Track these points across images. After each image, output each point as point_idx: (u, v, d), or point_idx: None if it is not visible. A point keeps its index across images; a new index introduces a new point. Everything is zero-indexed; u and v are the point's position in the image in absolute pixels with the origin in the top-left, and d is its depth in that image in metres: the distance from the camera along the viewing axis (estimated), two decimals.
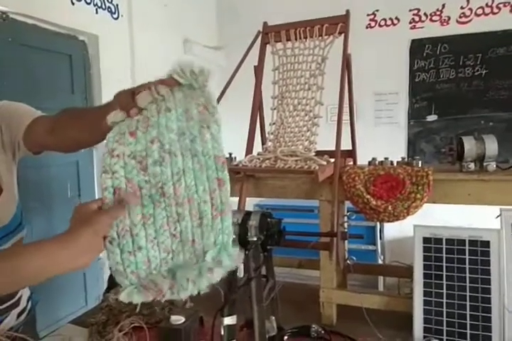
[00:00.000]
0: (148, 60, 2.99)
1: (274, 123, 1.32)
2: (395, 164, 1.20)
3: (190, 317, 1.14)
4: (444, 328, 1.04)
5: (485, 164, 1.06)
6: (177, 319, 1.12)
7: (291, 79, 1.37)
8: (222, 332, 0.98)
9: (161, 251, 0.69)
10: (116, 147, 0.68)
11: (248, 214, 1.05)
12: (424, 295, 1.07)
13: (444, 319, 1.04)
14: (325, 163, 1.11)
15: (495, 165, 1.06)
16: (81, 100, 2.58)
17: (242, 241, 1.00)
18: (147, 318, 1.19)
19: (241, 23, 3.82)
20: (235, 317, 1.00)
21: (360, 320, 1.15)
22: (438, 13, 3.56)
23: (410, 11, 3.62)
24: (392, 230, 3.12)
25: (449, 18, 3.52)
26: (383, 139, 3.50)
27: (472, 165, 1.07)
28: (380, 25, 3.74)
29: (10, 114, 1.00)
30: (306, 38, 1.40)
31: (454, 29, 3.50)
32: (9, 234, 1.01)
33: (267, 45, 1.47)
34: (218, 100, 1.50)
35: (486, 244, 1.03)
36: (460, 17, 3.49)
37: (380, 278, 2.54)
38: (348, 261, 1.06)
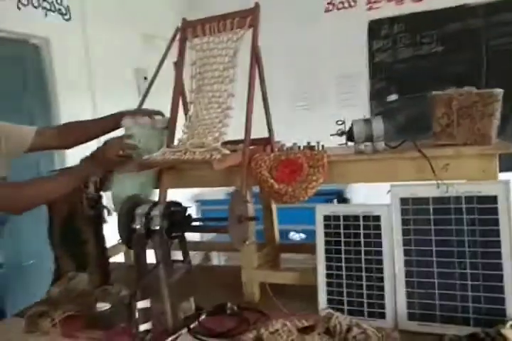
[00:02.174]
0: (106, 58, 3.03)
1: (190, 116, 1.38)
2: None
3: (116, 303, 1.22)
4: (345, 298, 1.12)
5: (374, 144, 1.13)
6: (102, 306, 1.21)
7: (207, 73, 1.43)
8: (137, 316, 1.06)
9: None
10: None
11: (154, 204, 1.12)
12: (327, 269, 1.15)
13: (344, 290, 1.13)
14: (228, 152, 1.18)
15: (383, 144, 1.13)
16: (36, 102, 2.64)
17: (146, 230, 1.08)
18: (80, 307, 1.27)
19: (205, 14, 3.79)
20: (148, 300, 1.08)
21: (282, 296, 1.23)
22: None
23: None
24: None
25: None
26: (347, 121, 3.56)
27: (362, 146, 1.14)
28: (337, 8, 3.76)
29: (8, 129, 1.37)
30: (219, 32, 1.45)
31: (409, 7, 3.52)
32: None
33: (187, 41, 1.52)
34: (146, 95, 1.58)
35: (377, 218, 1.10)
36: None
37: None
38: (247, 242, 1.13)
